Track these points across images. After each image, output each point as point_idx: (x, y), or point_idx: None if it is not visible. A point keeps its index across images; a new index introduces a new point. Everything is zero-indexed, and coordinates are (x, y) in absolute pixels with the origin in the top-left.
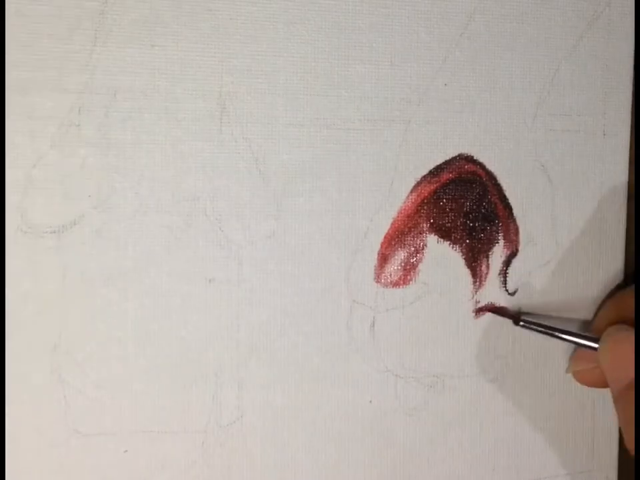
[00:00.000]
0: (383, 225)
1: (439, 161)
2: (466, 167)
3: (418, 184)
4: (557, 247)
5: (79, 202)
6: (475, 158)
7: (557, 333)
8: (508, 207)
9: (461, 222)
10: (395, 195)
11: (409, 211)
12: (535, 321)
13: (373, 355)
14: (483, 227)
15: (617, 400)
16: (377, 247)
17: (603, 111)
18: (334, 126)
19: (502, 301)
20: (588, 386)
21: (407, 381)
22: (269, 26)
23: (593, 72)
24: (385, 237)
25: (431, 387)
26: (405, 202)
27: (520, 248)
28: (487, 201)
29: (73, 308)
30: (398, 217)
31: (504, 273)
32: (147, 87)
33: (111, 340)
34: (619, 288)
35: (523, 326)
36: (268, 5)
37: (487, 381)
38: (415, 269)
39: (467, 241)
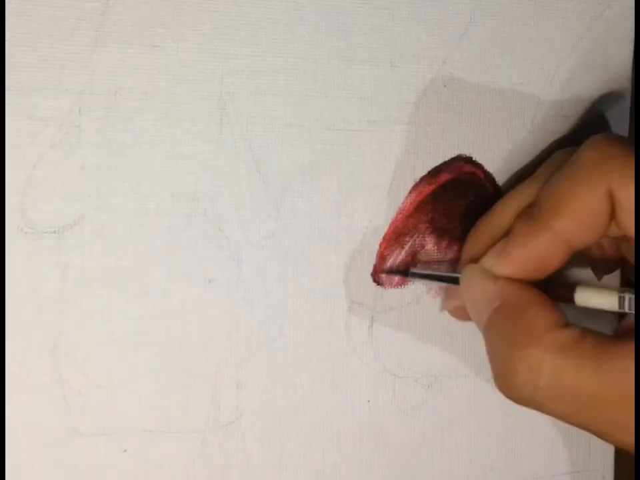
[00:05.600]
0: (382, 226)
1: (438, 161)
2: (465, 167)
3: (417, 185)
4: None
5: (79, 202)
6: (474, 159)
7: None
8: None
9: (459, 223)
10: (394, 195)
11: (408, 212)
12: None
13: (371, 355)
14: None
15: (483, 333)
16: (376, 248)
17: (602, 113)
18: (334, 127)
19: None
20: (463, 320)
21: (405, 381)
22: (269, 27)
23: (593, 73)
24: (384, 238)
25: (429, 386)
26: (404, 203)
27: None
28: (485, 202)
29: (73, 308)
30: (397, 217)
31: None
32: (147, 87)
33: (110, 340)
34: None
35: (412, 275)
36: (268, 6)
37: (484, 381)
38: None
39: None
